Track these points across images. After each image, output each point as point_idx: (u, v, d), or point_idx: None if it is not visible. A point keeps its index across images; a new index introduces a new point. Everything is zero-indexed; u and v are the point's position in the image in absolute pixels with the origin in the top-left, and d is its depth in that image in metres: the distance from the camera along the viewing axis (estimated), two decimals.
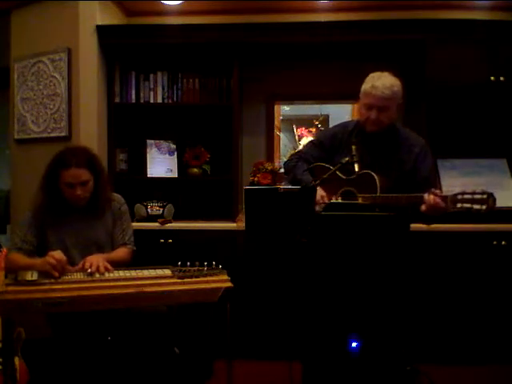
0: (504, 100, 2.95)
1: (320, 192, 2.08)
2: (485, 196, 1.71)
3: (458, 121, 2.95)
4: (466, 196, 1.74)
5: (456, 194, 1.76)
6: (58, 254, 1.89)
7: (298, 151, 2.48)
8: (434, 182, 2.14)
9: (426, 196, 1.84)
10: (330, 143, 2.26)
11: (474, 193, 1.72)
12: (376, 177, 1.99)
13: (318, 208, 2.00)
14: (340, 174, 2.11)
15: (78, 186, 2.07)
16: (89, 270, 1.89)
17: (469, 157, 2.99)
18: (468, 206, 1.72)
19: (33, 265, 1.90)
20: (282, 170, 2.92)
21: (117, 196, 2.29)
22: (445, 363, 2.78)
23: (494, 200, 1.70)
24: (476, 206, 1.71)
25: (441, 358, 2.80)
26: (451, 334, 2.83)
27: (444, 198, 1.80)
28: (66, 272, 1.89)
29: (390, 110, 2.09)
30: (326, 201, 2.05)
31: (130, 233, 2.28)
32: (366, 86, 2.11)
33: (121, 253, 2.17)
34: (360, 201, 1.99)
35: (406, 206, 1.92)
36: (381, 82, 2.07)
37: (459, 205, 1.75)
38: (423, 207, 1.85)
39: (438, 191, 1.83)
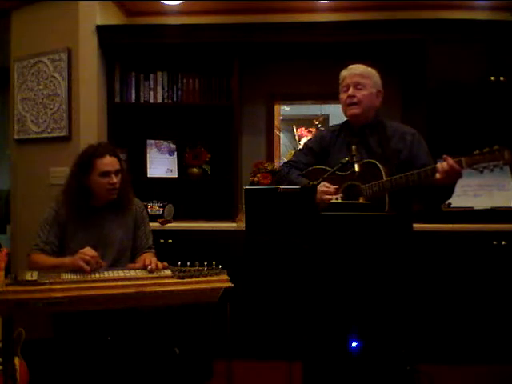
0: (504, 100, 2.95)
1: (324, 185, 2.03)
2: (498, 150, 1.67)
3: (457, 121, 2.95)
4: (479, 156, 1.71)
5: (469, 156, 1.74)
6: (89, 251, 1.91)
7: (288, 161, 2.41)
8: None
9: (438, 164, 1.82)
10: (320, 147, 2.25)
11: (486, 151, 1.70)
12: (378, 163, 1.97)
13: (325, 197, 1.98)
14: (339, 172, 2.07)
15: (114, 174, 2.08)
16: (149, 267, 1.92)
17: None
18: (484, 164, 1.70)
19: (61, 264, 1.93)
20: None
21: (136, 200, 2.29)
22: (445, 363, 2.78)
23: (510, 152, 1.66)
24: (493, 163, 1.69)
25: (441, 358, 2.80)
26: (451, 334, 2.83)
27: (459, 162, 1.77)
28: (99, 267, 1.91)
29: (366, 90, 2.12)
30: (332, 189, 2.01)
31: (152, 237, 2.31)
32: (341, 73, 2.20)
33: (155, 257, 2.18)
34: (361, 200, 1.99)
35: (417, 186, 1.89)
36: (354, 65, 2.18)
37: (475, 166, 1.73)
38: (438, 175, 1.82)
39: (449, 157, 1.81)
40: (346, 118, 2.22)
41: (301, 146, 2.48)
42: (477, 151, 1.73)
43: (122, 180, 2.14)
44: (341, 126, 2.26)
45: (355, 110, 2.12)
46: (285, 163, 2.41)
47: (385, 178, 1.93)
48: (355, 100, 2.11)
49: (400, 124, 2.26)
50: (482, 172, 1.73)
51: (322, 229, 1.85)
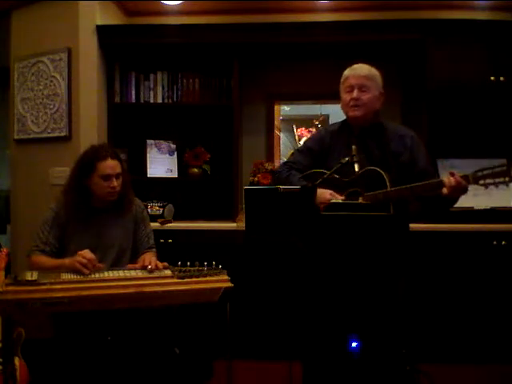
0: (504, 100, 2.95)
1: (327, 191, 2.03)
2: (504, 167, 1.72)
3: (458, 121, 2.95)
4: (486, 171, 1.75)
5: (476, 171, 1.78)
6: (87, 253, 1.91)
7: (286, 161, 2.35)
8: (433, 171, 2.11)
9: (445, 179, 1.84)
10: (319, 148, 2.22)
11: (493, 167, 1.74)
12: (382, 171, 1.95)
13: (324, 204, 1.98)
14: (338, 177, 2.05)
15: (114, 178, 2.08)
16: (149, 267, 1.93)
17: (469, 157, 2.99)
18: (490, 181, 1.74)
19: (61, 265, 1.93)
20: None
21: (137, 200, 2.29)
22: (445, 362, 2.78)
23: None
24: (498, 180, 1.73)
25: (441, 358, 2.80)
26: (451, 334, 2.83)
27: (465, 177, 1.80)
28: (97, 270, 1.90)
29: (371, 93, 2.09)
30: (338, 197, 2.00)
31: (153, 236, 2.31)
32: (344, 72, 2.16)
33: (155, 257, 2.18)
34: (361, 200, 1.98)
35: (421, 196, 1.91)
36: (358, 65, 2.14)
37: (481, 181, 1.77)
38: (445, 190, 1.84)
39: (455, 172, 1.84)
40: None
41: (299, 146, 2.43)
42: (484, 168, 1.76)
43: (122, 182, 2.14)
44: (339, 127, 2.23)
45: (357, 112, 2.09)
46: (283, 164, 2.35)
47: (389, 188, 1.92)
48: (360, 103, 2.08)
49: (398, 125, 2.25)
50: (486, 187, 1.77)
51: (322, 229, 1.85)
